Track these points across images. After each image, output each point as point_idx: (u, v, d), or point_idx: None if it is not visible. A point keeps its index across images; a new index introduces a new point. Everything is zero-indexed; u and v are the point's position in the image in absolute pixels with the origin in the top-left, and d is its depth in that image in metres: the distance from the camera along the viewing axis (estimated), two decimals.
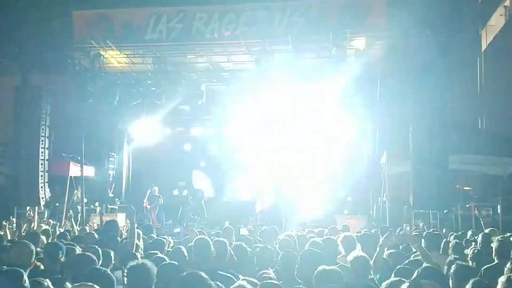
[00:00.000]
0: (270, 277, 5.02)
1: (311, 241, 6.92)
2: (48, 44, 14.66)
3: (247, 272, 5.12)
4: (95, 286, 3.54)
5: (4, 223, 9.13)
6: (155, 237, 8.56)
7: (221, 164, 19.67)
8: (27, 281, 3.77)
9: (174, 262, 4.99)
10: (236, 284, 4.00)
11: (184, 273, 3.73)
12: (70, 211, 15.70)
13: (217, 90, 16.39)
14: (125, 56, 14.75)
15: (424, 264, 4.65)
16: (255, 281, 4.39)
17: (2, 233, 8.54)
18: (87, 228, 11.25)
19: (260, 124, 18.80)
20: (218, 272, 4.82)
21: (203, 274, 3.66)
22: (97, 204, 17.56)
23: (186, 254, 5.96)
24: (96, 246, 5.74)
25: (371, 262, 5.05)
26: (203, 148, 20.63)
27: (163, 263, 4.90)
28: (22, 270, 3.89)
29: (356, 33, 12.89)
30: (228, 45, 13.94)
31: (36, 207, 14.42)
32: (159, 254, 5.94)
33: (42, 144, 14.48)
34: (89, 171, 17.19)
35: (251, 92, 14.79)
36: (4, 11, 14.01)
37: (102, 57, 14.42)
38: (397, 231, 10.47)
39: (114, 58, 14.83)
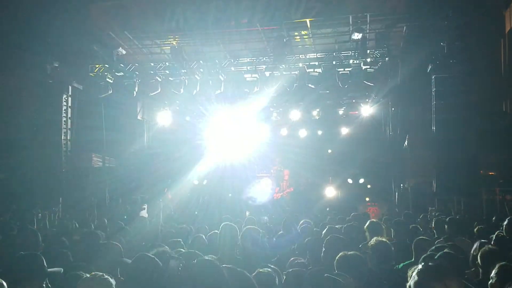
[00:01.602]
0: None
1: (327, 227, 6.88)
2: (67, 37, 14.75)
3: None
4: (105, 275, 3.53)
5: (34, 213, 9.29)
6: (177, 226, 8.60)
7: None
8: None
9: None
10: (256, 272, 3.97)
11: (195, 260, 3.70)
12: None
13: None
14: (143, 46, 14.76)
15: (445, 250, 4.54)
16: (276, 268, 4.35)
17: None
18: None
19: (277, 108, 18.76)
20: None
21: (216, 262, 3.62)
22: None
23: (206, 242, 5.95)
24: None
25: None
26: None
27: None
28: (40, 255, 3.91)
29: (376, 16, 12.65)
30: (245, 32, 13.82)
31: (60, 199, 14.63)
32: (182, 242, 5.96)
33: (64, 136, 14.67)
34: (111, 162, 17.35)
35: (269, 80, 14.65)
36: (23, 6, 14.12)
37: (120, 48, 14.45)
38: (421, 216, 10.33)
39: (132, 49, 14.85)
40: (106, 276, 3.52)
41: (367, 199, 16.95)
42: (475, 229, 7.45)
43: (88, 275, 3.58)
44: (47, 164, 14.40)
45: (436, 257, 4.03)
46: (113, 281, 3.51)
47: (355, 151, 18.56)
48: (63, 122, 14.65)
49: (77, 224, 9.18)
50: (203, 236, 6.18)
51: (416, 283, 2.62)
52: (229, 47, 14.85)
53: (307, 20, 12.90)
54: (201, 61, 15.09)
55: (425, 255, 4.75)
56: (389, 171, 16.78)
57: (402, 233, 6.72)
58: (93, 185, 16.61)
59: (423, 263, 2.69)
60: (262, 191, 19.94)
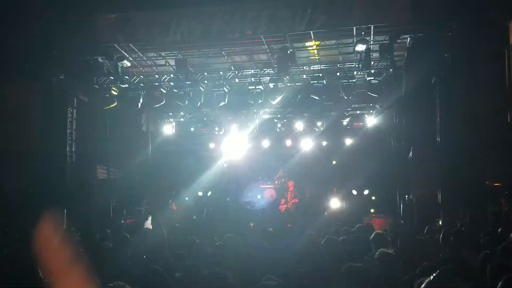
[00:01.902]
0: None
1: (326, 238, 6.83)
2: (72, 49, 14.87)
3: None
4: (127, 286, 3.53)
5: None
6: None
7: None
8: None
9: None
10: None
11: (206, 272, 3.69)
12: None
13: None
14: (148, 58, 14.85)
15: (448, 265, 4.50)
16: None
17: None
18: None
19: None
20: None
21: (223, 272, 3.61)
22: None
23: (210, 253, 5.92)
24: None
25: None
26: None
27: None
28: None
29: (380, 27, 12.70)
30: (249, 44, 13.90)
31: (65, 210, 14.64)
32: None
33: (69, 147, 14.72)
34: (115, 173, 17.37)
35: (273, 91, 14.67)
36: (28, 18, 14.26)
37: (125, 60, 14.54)
38: (426, 229, 10.26)
39: (137, 61, 14.94)
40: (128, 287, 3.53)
41: (372, 210, 16.85)
42: (481, 241, 7.40)
43: (111, 285, 3.59)
44: (52, 176, 14.43)
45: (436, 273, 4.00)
46: None
47: (359, 162, 18.51)
48: (68, 134, 14.70)
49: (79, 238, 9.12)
50: (208, 248, 6.15)
51: None
52: (233, 59, 14.92)
53: (311, 32, 12.97)
54: (205, 73, 15.15)
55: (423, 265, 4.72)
56: (393, 183, 16.72)
57: (407, 245, 6.70)
58: (98, 197, 16.63)
59: (433, 275, 2.68)
60: (262, 197, 19.96)
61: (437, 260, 4.98)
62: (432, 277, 2.71)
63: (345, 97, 14.79)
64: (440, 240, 7.84)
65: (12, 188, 17.44)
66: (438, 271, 3.22)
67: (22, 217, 12.23)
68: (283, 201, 19.46)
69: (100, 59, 14.51)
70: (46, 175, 14.46)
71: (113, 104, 15.05)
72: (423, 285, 2.67)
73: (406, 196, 15.39)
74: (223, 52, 14.46)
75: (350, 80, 13.95)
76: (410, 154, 15.12)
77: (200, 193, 19.74)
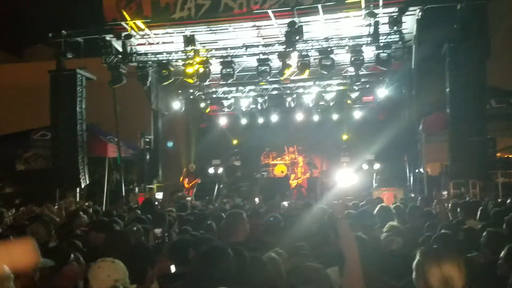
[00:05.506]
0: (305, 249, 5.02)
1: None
2: (80, 28, 14.91)
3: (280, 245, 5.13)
4: (115, 260, 3.62)
5: (49, 204, 9.48)
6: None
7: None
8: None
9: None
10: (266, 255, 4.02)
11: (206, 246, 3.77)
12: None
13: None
14: (155, 36, 14.82)
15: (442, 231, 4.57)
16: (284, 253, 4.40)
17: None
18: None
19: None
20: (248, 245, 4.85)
21: (224, 245, 3.68)
22: (135, 184, 17.99)
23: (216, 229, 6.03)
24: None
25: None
26: (235, 125, 20.89)
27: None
28: None
29: None
30: (257, 19, 13.80)
31: (78, 189, 14.90)
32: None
33: (79, 127, 14.87)
34: (126, 152, 17.54)
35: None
36: None
37: (133, 38, 14.55)
38: (434, 202, 10.29)
39: (145, 38, 14.93)
40: (117, 261, 3.62)
41: (382, 184, 16.87)
42: (491, 212, 7.42)
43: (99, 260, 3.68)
44: (64, 155, 14.63)
45: (432, 238, 4.07)
46: (123, 266, 3.61)
47: (370, 136, 18.49)
48: (78, 113, 14.83)
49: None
50: (213, 223, 6.23)
51: (416, 264, 2.71)
52: (241, 34, 14.84)
53: (319, 6, 12.84)
54: (214, 50, 15.10)
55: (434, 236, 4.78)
56: (403, 156, 16.71)
57: (416, 217, 6.73)
58: (109, 175, 16.86)
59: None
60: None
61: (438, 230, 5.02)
62: (425, 248, 2.79)
63: (354, 71, 14.73)
64: (449, 211, 7.89)
65: (26, 168, 17.81)
66: (434, 238, 3.29)
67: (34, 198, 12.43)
68: (293, 176, 19.55)
69: (108, 38, 14.52)
70: (58, 155, 14.66)
71: (122, 82, 15.11)
72: (418, 254, 2.74)
73: (416, 169, 15.39)
74: (231, 28, 14.37)
75: (359, 54, 13.80)
76: (420, 127, 15.06)
77: (210, 170, 19.91)
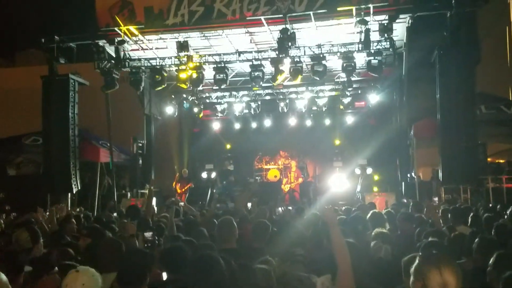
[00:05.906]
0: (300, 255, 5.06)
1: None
2: (73, 34, 14.91)
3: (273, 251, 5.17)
4: (90, 269, 3.62)
5: (39, 209, 9.44)
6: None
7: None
8: None
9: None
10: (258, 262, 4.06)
11: (198, 254, 3.80)
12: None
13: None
14: (149, 42, 14.85)
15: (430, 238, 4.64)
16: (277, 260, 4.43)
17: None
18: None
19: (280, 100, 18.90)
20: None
21: (215, 254, 3.71)
22: (127, 189, 17.97)
23: (207, 235, 6.04)
24: None
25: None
26: (228, 130, 20.91)
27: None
28: None
29: (380, 7, 12.67)
30: (250, 26, 13.88)
31: (69, 194, 14.85)
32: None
33: (72, 132, 14.83)
34: (118, 157, 17.51)
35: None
36: (29, 2, 14.29)
37: (126, 44, 14.57)
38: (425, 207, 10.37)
39: (138, 44, 14.95)
40: (92, 270, 3.61)
41: (375, 189, 16.96)
42: (483, 218, 7.49)
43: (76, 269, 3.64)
44: (56, 159, 14.59)
45: (418, 245, 4.13)
46: (98, 276, 3.60)
47: (362, 141, 18.62)
48: (71, 119, 14.79)
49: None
50: (204, 230, 6.23)
51: (415, 268, 2.79)
52: (234, 41, 14.90)
53: (311, 13, 12.94)
54: (207, 55, 15.17)
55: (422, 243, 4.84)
56: (395, 161, 16.82)
57: (407, 223, 6.78)
58: (100, 179, 16.82)
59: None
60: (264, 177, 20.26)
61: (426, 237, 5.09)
62: (425, 253, 2.85)
63: (346, 77, 14.85)
64: (440, 217, 7.94)
65: (18, 173, 17.73)
66: (423, 246, 3.34)
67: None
68: (285, 180, 19.62)
69: (101, 43, 14.54)
70: (50, 160, 14.62)
71: (114, 87, 15.12)
72: (417, 259, 2.81)
73: (408, 174, 15.51)
74: (224, 34, 14.43)
75: (351, 61, 13.94)
76: (411, 132, 15.19)
77: (204, 175, 19.91)
